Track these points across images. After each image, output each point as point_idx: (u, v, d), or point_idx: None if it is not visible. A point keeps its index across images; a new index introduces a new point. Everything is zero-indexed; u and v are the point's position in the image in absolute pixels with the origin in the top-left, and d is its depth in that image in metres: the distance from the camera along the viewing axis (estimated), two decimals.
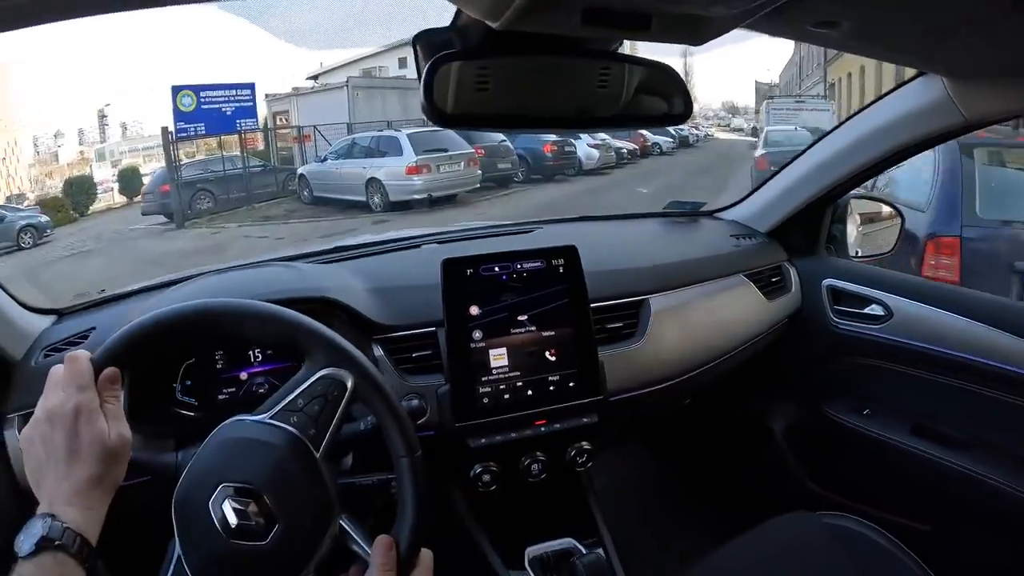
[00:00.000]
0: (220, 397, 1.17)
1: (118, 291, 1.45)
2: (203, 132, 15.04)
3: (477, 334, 1.13)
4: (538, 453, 1.19)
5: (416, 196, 10.93)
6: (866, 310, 1.53)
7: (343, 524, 0.85)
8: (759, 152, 11.05)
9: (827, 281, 1.58)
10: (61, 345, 1.24)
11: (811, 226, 1.64)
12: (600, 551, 1.23)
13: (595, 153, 16.20)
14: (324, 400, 0.86)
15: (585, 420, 1.18)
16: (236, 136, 15.36)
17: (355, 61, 29.10)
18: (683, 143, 27.16)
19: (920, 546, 1.14)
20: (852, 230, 1.66)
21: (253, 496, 0.81)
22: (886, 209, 1.69)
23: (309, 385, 0.86)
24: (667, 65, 0.86)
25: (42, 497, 0.75)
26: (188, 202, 13.13)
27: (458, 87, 0.73)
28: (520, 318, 1.15)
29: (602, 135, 16.67)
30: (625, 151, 19.01)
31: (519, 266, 1.15)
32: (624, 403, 1.28)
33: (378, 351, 1.18)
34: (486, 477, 1.17)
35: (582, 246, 1.23)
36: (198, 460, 0.85)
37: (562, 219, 1.80)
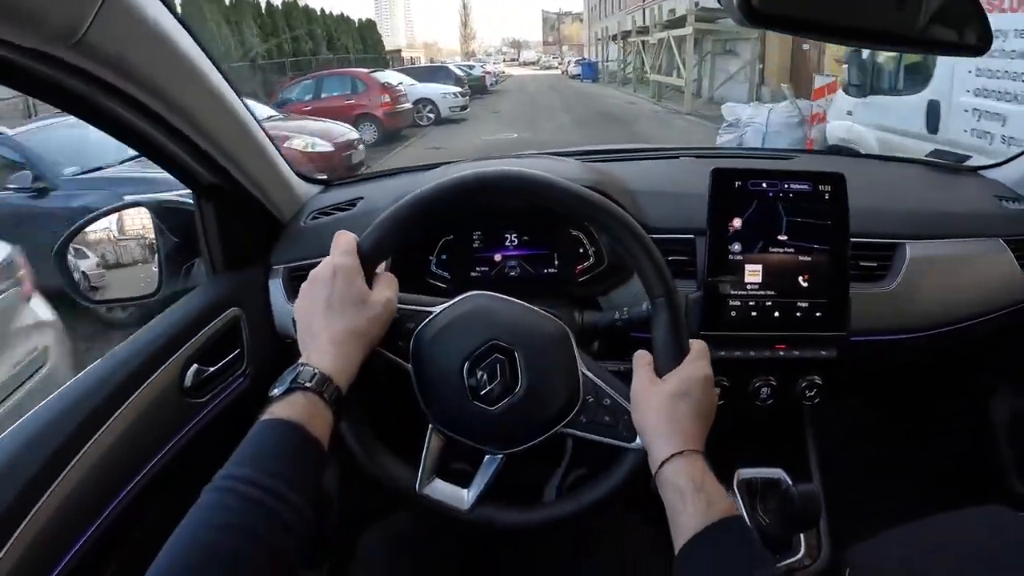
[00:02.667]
0: (472, 274, 1.26)
1: (382, 170, 1.61)
2: None
3: (736, 247, 1.14)
4: (770, 378, 1.19)
5: None
6: None
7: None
8: None
9: None
10: (329, 209, 1.38)
11: None
12: (813, 485, 1.24)
13: None
14: None
15: (824, 353, 1.16)
16: None
17: None
18: (478, 89, 21.12)
19: None
20: None
21: (505, 354, 0.88)
22: None
23: None
24: None
25: (304, 351, 0.82)
26: None
27: None
28: (780, 238, 1.14)
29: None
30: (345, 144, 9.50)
31: (786, 186, 1.14)
32: (862, 346, 1.25)
33: None
34: (715, 390, 1.20)
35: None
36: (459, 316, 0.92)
37: (819, 152, 1.75)
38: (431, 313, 0.91)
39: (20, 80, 0.79)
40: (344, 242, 0.87)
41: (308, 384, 0.76)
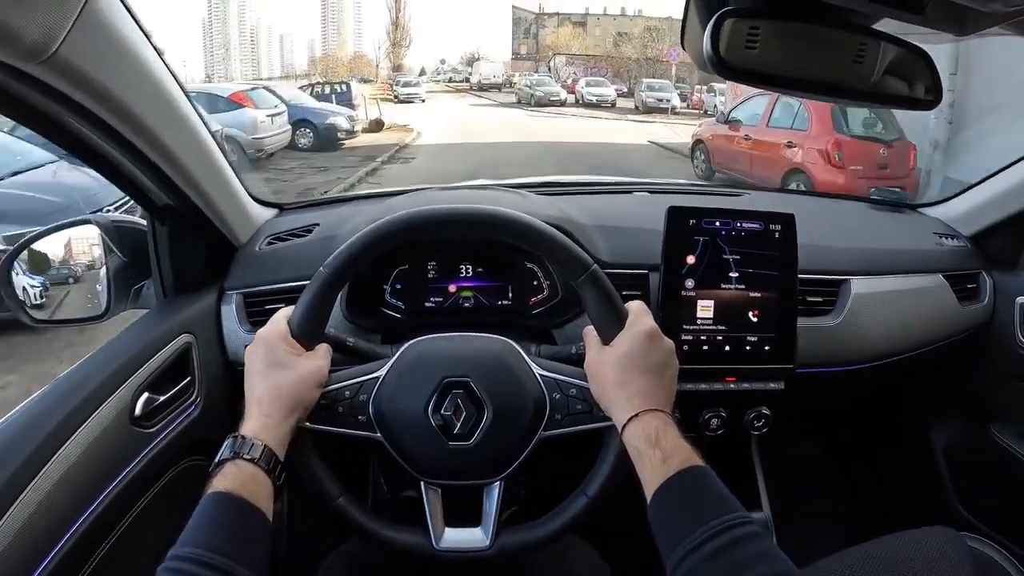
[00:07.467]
0: (427, 305, 1.28)
1: (337, 195, 1.60)
2: None
3: (689, 283, 1.17)
4: (720, 409, 1.22)
5: None
6: None
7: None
8: None
9: (1021, 299, 1.51)
10: (285, 235, 1.37)
11: (1015, 238, 1.57)
12: (763, 513, 1.29)
13: None
14: None
15: (772, 385, 1.20)
16: None
17: None
18: None
19: None
20: None
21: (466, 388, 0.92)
22: None
23: None
24: (923, 49, 0.87)
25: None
26: None
27: (729, 41, 0.77)
28: (731, 275, 1.17)
29: None
30: None
31: (739, 225, 1.17)
32: (808, 378, 1.29)
33: None
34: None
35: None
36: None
37: (769, 189, 1.82)
38: (378, 378, 0.94)
39: None
40: (275, 317, 0.93)
41: (238, 451, 0.79)
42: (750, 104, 9.83)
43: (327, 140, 13.77)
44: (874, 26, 0.85)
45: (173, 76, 1.01)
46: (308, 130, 13.68)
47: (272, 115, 11.58)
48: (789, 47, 0.82)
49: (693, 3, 0.81)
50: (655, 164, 13.36)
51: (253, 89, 12.32)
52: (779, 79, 0.83)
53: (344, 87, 20.42)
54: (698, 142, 11.25)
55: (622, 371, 0.86)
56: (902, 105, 0.92)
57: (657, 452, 0.79)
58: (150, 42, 0.93)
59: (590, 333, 0.93)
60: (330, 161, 12.42)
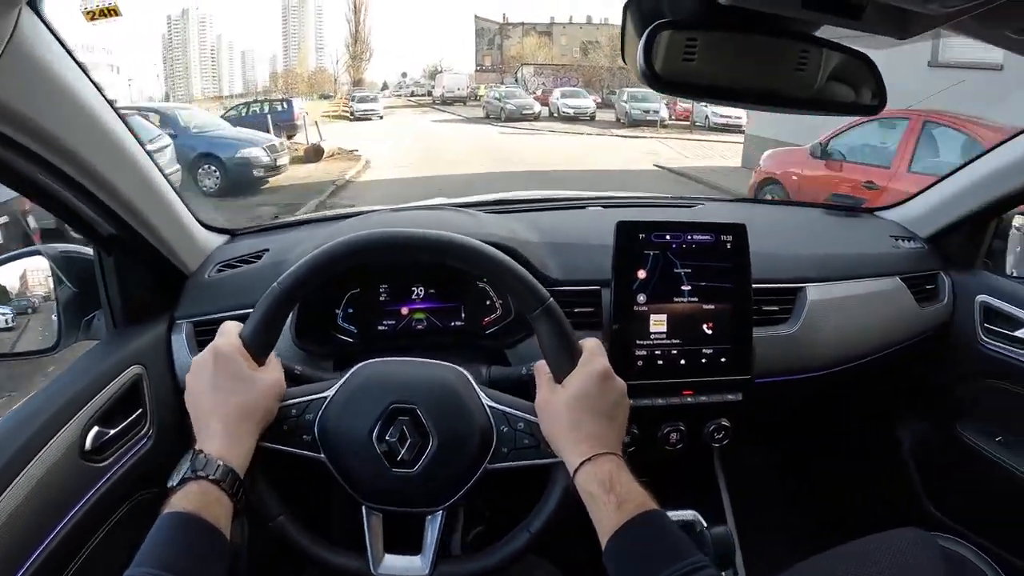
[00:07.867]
0: (379, 328, 1.26)
1: (289, 219, 1.58)
2: None
3: (641, 297, 1.17)
4: (679, 423, 1.22)
5: None
6: (1017, 333, 1.46)
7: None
8: None
9: (980, 297, 1.52)
10: (235, 262, 1.35)
11: (972, 237, 1.58)
12: (726, 527, 1.28)
13: None
14: None
15: (730, 397, 1.20)
16: None
17: None
18: None
19: None
20: (1013, 247, 1.59)
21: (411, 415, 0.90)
22: None
23: None
24: (865, 54, 0.87)
25: (197, 438, 0.83)
26: None
27: (666, 54, 0.76)
28: (684, 288, 1.17)
29: None
30: None
31: (689, 237, 1.17)
32: (768, 388, 1.29)
33: None
34: (625, 439, 1.22)
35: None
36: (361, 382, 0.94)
37: (723, 199, 1.82)
38: (325, 398, 0.92)
39: None
40: (225, 329, 0.90)
41: (201, 472, 0.77)
42: (859, 133, 6.74)
43: (240, 180, 10.57)
44: (815, 33, 0.85)
45: (109, 103, 1.00)
46: (213, 167, 10.60)
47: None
48: (728, 58, 0.80)
49: (630, 16, 0.80)
50: None
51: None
52: (718, 91, 0.82)
53: (285, 104, 17.34)
54: (768, 180, 7.84)
55: (574, 412, 0.85)
56: (848, 111, 0.91)
57: (612, 497, 0.78)
58: (82, 70, 0.91)
59: (542, 368, 0.92)
60: (236, 212, 9.31)
